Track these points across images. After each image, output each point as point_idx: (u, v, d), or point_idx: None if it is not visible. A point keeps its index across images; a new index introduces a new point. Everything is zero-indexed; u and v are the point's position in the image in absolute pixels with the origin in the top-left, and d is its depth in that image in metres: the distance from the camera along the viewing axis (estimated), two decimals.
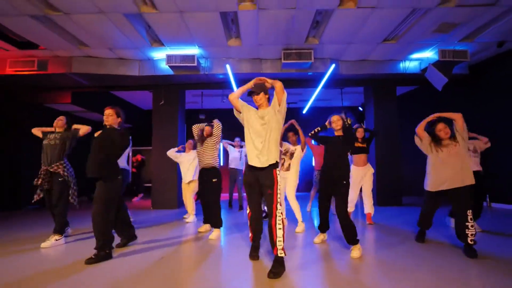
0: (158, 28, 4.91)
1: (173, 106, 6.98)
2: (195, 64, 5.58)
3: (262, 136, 2.63)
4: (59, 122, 3.80)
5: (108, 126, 3.17)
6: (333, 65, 5.98)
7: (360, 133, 4.73)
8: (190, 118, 8.78)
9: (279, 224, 2.52)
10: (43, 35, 4.96)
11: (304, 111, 9.65)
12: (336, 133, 3.30)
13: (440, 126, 3.22)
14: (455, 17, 4.61)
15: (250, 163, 2.70)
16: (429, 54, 6.04)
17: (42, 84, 6.80)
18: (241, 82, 6.82)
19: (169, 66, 5.64)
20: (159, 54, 5.93)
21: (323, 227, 3.45)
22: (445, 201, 3.25)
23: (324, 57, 6.10)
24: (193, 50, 5.76)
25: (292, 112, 9.93)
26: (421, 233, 3.55)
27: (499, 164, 5.86)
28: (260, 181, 2.65)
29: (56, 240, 3.54)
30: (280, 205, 2.57)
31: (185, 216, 5.30)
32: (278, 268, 2.44)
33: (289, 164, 4.27)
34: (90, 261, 2.84)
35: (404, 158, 7.99)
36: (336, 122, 3.24)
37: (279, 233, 2.50)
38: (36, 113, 7.32)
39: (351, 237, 2.99)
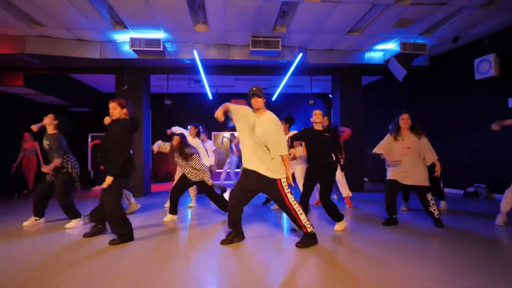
0: (122, 11, 5.11)
1: (137, 91, 7.18)
2: (161, 48, 5.84)
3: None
4: (47, 120, 4.06)
5: (114, 120, 3.44)
6: (300, 54, 6.52)
7: (325, 121, 5.32)
8: (155, 103, 8.99)
9: (298, 210, 3.03)
10: None
11: (273, 98, 10.18)
12: (315, 127, 3.74)
13: (405, 115, 3.80)
14: (411, 13, 5.30)
15: None
16: (392, 46, 6.76)
17: None
18: (208, 68, 7.16)
19: (133, 50, 5.85)
20: (123, 37, 6.10)
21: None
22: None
23: (292, 45, 6.62)
24: (159, 34, 6.00)
25: None
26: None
27: (453, 152, 6.79)
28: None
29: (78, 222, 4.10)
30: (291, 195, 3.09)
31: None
32: (307, 240, 3.07)
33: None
34: (113, 242, 3.21)
35: (368, 146, 8.83)
36: (317, 116, 3.70)
37: (302, 217, 3.03)
38: None
39: (336, 215, 3.64)
